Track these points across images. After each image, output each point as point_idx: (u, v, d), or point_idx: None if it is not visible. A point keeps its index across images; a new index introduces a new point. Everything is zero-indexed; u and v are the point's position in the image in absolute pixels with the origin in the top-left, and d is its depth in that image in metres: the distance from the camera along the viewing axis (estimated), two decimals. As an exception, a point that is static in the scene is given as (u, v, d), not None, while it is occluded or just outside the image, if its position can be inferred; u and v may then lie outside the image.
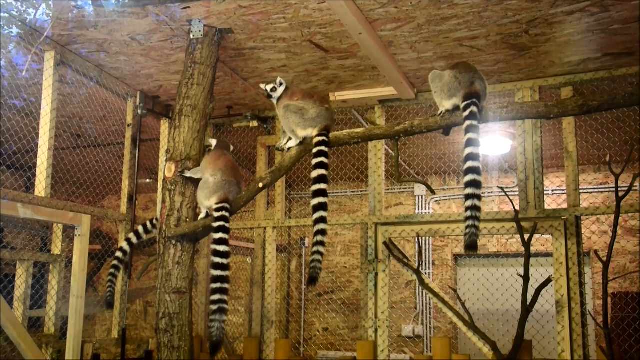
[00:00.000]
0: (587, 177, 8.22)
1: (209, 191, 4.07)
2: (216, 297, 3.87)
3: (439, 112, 3.80)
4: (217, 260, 3.89)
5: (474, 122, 3.57)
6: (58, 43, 4.87)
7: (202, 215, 4.22)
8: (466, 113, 3.59)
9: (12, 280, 5.03)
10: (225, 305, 3.89)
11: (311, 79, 5.56)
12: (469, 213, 3.51)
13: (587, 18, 4.33)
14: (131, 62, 5.25)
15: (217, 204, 4.02)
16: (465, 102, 3.62)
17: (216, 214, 4.00)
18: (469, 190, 3.52)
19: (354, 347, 5.76)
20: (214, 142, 4.45)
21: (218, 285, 3.87)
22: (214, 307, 3.86)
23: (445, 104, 3.75)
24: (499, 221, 5.33)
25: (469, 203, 3.52)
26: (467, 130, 3.57)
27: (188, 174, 4.30)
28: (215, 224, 3.98)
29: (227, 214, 4.00)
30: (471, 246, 3.51)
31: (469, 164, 3.54)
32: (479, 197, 3.52)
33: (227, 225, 3.97)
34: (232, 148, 4.56)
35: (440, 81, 3.78)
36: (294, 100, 4.09)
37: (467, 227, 3.52)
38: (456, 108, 3.72)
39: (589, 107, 3.50)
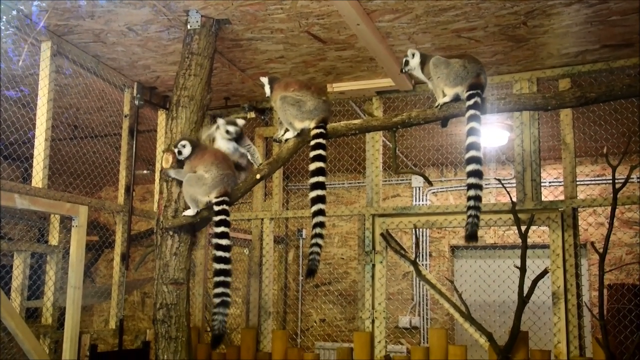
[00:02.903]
0: (584, 169, 8.23)
1: (207, 187, 4.02)
2: (219, 290, 3.86)
3: (437, 104, 3.80)
4: (220, 253, 3.88)
5: (477, 112, 3.57)
6: (54, 33, 4.85)
7: (190, 213, 4.14)
8: (470, 102, 3.59)
9: (9, 271, 5.03)
10: (228, 299, 3.89)
11: (309, 70, 5.55)
12: (471, 203, 3.52)
13: (585, 9, 4.32)
14: (128, 52, 5.23)
15: (217, 197, 4.01)
16: (470, 92, 3.62)
17: (217, 208, 3.98)
18: (471, 180, 3.53)
19: (351, 338, 5.78)
20: (187, 144, 4.20)
21: (221, 278, 3.87)
22: (217, 300, 3.86)
23: (448, 91, 3.72)
24: (496, 213, 5.34)
25: (471, 193, 3.53)
26: (470, 119, 3.57)
27: (172, 174, 4.28)
28: (217, 218, 3.96)
29: (227, 207, 3.99)
30: (472, 236, 3.53)
31: (471, 153, 3.54)
32: (480, 187, 3.53)
33: (228, 218, 3.97)
34: (204, 137, 4.48)
35: (447, 67, 3.75)
36: (290, 91, 4.08)
37: (468, 217, 3.53)
38: (456, 98, 3.71)
39: (587, 98, 3.51)
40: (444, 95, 3.76)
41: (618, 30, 4.63)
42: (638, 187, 7.59)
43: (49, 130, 4.79)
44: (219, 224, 3.95)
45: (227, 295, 3.88)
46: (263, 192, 6.50)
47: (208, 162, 4.10)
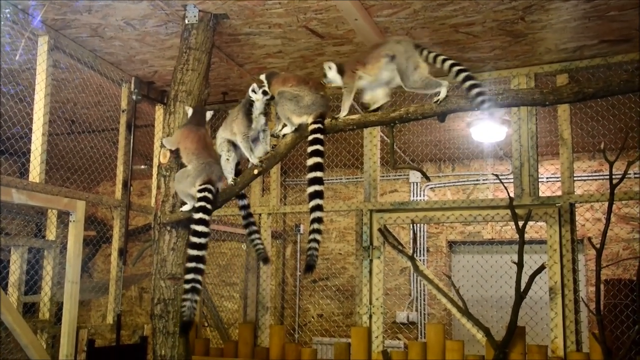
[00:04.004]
0: (582, 165, 8.23)
1: (192, 178, 4.04)
2: (190, 276, 3.87)
3: (436, 99, 3.80)
4: (195, 240, 3.88)
5: (465, 70, 3.63)
6: (52, 27, 4.83)
7: (187, 208, 4.17)
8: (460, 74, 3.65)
9: (6, 266, 5.02)
10: (199, 286, 3.89)
11: (307, 65, 5.54)
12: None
13: (583, 4, 4.32)
14: (126, 47, 5.22)
15: (200, 185, 4.00)
16: (450, 61, 3.70)
17: (199, 195, 3.98)
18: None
19: (349, 333, 5.78)
20: (190, 110, 4.35)
21: (193, 264, 3.87)
22: (187, 286, 3.86)
23: (423, 71, 3.77)
24: (494, 208, 5.35)
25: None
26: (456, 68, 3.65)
27: (163, 141, 4.33)
28: (197, 204, 3.96)
29: (209, 195, 3.98)
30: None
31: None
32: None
33: (208, 206, 3.95)
34: (209, 116, 4.44)
35: (408, 54, 3.82)
36: (288, 86, 4.07)
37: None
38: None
39: (584, 94, 3.50)
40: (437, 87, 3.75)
41: (616, 25, 4.63)
42: (635, 183, 7.60)
43: (46, 125, 4.78)
44: (198, 210, 3.94)
45: (198, 282, 3.88)
46: (261, 188, 6.49)
47: (189, 152, 4.11)
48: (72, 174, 6.92)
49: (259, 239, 4.52)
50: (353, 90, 4.00)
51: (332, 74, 4.10)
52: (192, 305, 3.88)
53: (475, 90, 3.52)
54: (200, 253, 3.89)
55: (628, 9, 4.36)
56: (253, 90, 4.10)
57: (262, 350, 5.77)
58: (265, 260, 4.61)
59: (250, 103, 4.12)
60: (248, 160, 4.14)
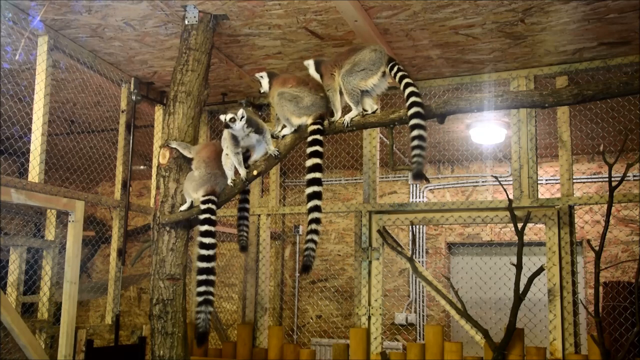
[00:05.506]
0: (581, 167, 8.24)
1: (196, 184, 4.09)
2: (202, 288, 3.92)
3: (340, 119, 3.87)
4: (203, 252, 3.93)
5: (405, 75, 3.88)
6: (51, 28, 4.83)
7: (186, 206, 4.22)
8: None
9: (5, 266, 5.02)
10: (211, 297, 3.95)
11: (306, 66, 5.54)
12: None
13: (583, 7, 4.32)
14: (125, 47, 5.22)
15: (203, 196, 4.04)
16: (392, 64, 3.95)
17: (202, 206, 4.00)
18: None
19: (347, 335, 5.79)
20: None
21: (204, 277, 3.92)
22: (199, 299, 3.92)
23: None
24: (493, 210, 5.35)
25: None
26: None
27: (174, 145, 4.31)
28: (202, 216, 3.99)
29: (213, 206, 4.02)
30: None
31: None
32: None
33: (213, 217, 4.00)
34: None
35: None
36: (287, 87, 4.08)
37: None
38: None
39: (584, 96, 3.51)
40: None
41: (615, 28, 4.63)
42: (634, 185, 7.61)
43: (45, 125, 4.78)
44: (203, 222, 3.98)
45: (210, 293, 3.94)
46: (260, 188, 6.49)
47: (200, 160, 4.16)
48: (71, 174, 6.92)
49: (247, 226, 4.53)
50: (337, 90, 4.01)
51: (311, 72, 4.18)
52: (207, 317, 3.93)
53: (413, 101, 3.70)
54: (209, 265, 3.93)
55: (627, 11, 4.37)
56: (227, 126, 3.96)
57: (261, 351, 5.77)
58: (243, 248, 4.58)
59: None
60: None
